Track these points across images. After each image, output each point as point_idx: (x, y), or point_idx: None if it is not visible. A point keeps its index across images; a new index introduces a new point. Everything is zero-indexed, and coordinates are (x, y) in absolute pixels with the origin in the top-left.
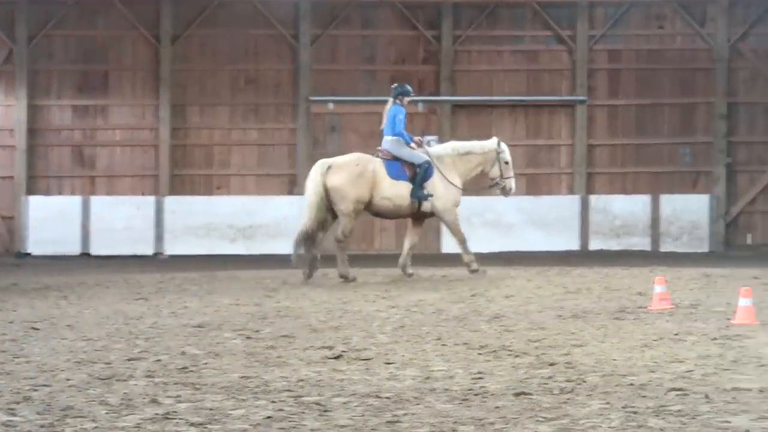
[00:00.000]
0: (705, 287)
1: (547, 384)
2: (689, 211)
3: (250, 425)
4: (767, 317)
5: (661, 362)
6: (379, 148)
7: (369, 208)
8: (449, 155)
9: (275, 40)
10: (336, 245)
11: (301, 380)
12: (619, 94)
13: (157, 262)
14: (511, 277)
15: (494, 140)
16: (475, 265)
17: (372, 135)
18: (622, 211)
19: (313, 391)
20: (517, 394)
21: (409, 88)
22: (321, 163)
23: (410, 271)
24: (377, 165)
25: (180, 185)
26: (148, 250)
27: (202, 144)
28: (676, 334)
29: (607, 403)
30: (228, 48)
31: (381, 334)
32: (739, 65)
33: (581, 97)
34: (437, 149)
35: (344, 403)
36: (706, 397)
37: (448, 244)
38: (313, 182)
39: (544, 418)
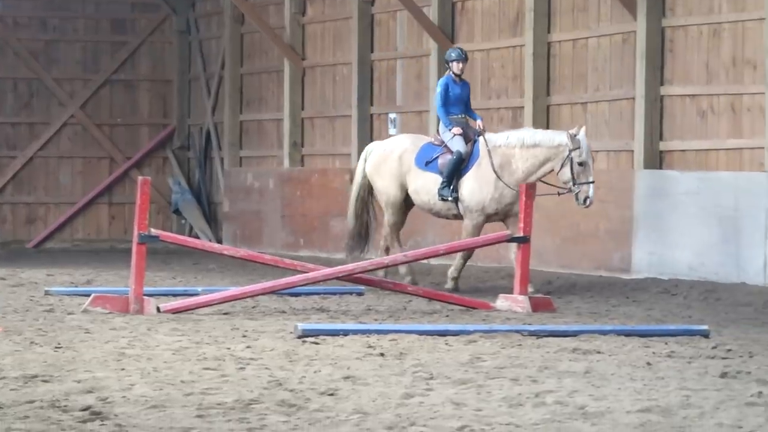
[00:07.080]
0: None
1: None
2: None
3: None
4: (10, 323)
5: None
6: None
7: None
8: (509, 146)
9: None
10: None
11: None
12: None
13: None
14: None
15: (566, 133)
16: (451, 283)
17: None
18: None
19: None
20: None
21: (452, 50)
22: (367, 148)
23: (530, 288)
24: (408, 151)
25: None
26: None
27: None
28: None
29: None
30: None
31: None
32: None
33: None
34: (499, 136)
35: None
36: None
37: None
38: (357, 170)
39: None
